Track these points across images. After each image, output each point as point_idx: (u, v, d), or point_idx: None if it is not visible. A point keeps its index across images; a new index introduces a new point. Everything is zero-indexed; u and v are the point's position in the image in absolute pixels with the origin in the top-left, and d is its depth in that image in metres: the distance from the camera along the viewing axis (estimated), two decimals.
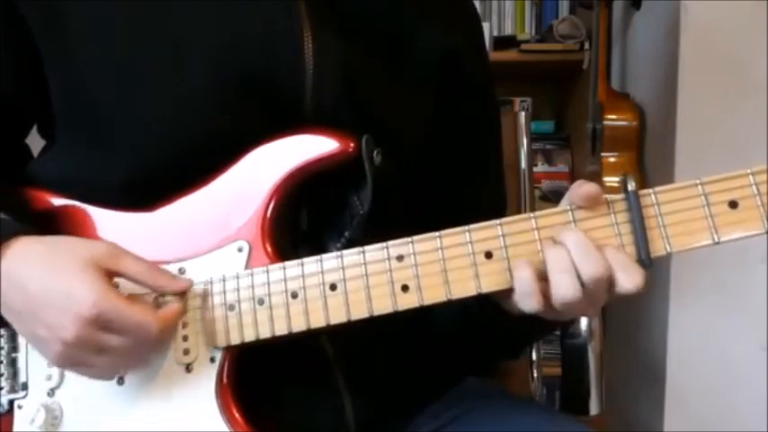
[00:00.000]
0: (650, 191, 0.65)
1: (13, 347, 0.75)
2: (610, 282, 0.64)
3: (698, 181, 0.65)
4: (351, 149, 0.72)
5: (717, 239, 0.64)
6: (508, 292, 0.67)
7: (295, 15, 0.76)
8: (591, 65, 2.09)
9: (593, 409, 1.10)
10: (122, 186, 0.76)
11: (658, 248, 0.65)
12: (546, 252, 0.66)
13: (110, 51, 0.75)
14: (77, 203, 0.78)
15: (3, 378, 0.75)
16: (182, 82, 0.74)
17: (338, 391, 0.78)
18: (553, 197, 2.47)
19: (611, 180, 1.90)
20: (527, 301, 0.65)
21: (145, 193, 0.75)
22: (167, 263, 0.73)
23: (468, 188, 0.90)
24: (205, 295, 0.72)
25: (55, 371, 0.73)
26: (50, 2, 0.76)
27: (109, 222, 0.77)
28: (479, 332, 0.79)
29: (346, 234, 0.74)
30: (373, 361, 0.80)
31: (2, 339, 0.76)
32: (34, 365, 0.74)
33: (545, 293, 0.65)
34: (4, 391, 0.75)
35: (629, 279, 0.64)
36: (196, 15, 0.75)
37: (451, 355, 0.87)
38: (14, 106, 0.81)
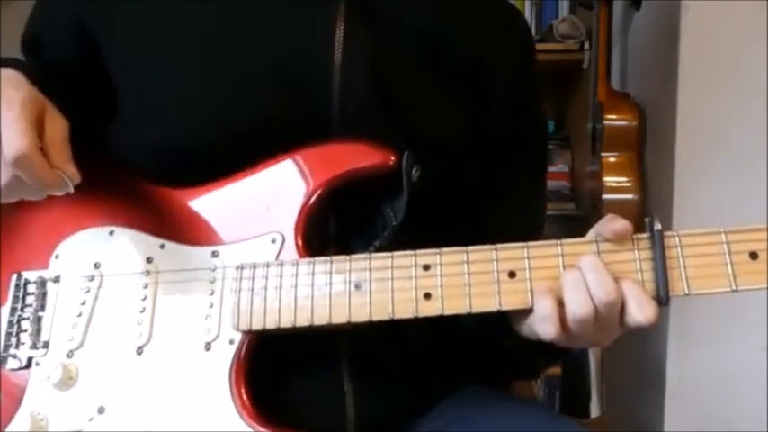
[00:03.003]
0: (675, 233, 0.68)
1: (42, 306, 0.78)
2: (622, 311, 0.66)
3: (721, 230, 0.68)
4: (392, 163, 0.74)
5: (735, 287, 0.67)
6: (524, 314, 0.69)
7: (330, 11, 0.79)
8: (591, 65, 2.08)
9: (594, 411, 1.10)
10: (159, 166, 0.79)
11: (677, 289, 0.67)
12: (563, 276, 0.68)
13: (151, 50, 0.80)
14: (131, 172, 0.82)
15: (26, 334, 0.77)
16: (215, 77, 0.78)
17: (343, 393, 0.78)
18: (553, 197, 2.47)
19: (611, 180, 1.90)
20: (545, 325, 0.67)
21: (171, 174, 0.78)
22: (202, 245, 0.76)
23: (496, 204, 0.89)
24: (234, 279, 0.74)
25: (77, 333, 0.76)
26: (105, 8, 0.82)
27: (150, 195, 0.80)
28: (490, 350, 0.80)
29: (375, 243, 0.75)
30: (382, 365, 0.80)
31: (31, 297, 0.78)
32: (58, 325, 0.77)
33: (562, 319, 0.67)
34: (25, 347, 0.77)
35: (641, 311, 0.66)
36: (235, 15, 0.79)
37: (460, 365, 0.88)
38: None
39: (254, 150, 0.77)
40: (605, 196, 1.89)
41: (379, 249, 0.74)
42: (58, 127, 0.70)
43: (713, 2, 1.61)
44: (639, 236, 0.69)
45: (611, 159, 1.92)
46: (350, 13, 0.79)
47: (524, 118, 0.91)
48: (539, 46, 2.30)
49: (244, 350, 0.73)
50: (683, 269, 0.67)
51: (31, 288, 0.79)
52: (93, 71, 0.84)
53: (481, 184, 0.87)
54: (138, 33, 0.81)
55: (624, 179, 1.90)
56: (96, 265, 0.78)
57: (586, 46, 2.24)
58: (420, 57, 0.83)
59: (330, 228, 0.78)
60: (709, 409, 1.69)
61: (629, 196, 1.89)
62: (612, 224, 0.69)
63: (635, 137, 1.91)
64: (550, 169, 2.53)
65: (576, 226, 2.40)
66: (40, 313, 0.78)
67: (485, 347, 0.83)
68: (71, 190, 0.70)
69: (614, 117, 1.93)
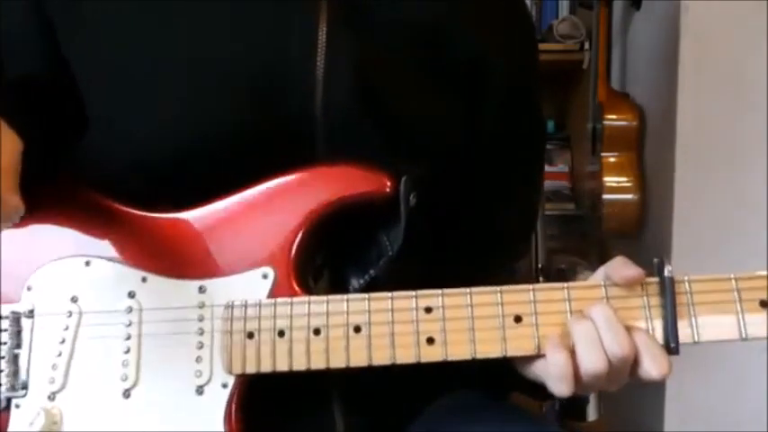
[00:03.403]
0: (685, 278, 0.66)
1: (17, 344, 0.73)
2: (635, 362, 0.64)
3: (732, 276, 0.66)
4: (388, 189, 0.71)
5: (744, 336, 0.66)
6: (528, 356, 0.67)
7: (311, 11, 0.75)
8: (591, 65, 2.08)
9: (592, 415, 1.10)
10: (134, 182, 0.75)
11: (686, 336, 0.66)
12: (573, 325, 0.66)
13: (121, 50, 0.76)
14: (107, 198, 0.77)
15: (2, 375, 0.73)
16: (194, 83, 0.74)
17: (333, 419, 0.77)
18: (553, 197, 2.47)
19: (611, 180, 1.90)
20: (560, 385, 0.65)
21: (149, 188, 0.74)
22: (188, 278, 0.72)
23: (489, 209, 0.87)
24: (224, 319, 0.70)
25: (58, 374, 0.72)
26: (75, 10, 0.77)
27: (128, 221, 0.75)
28: (488, 383, 0.79)
29: (371, 272, 0.73)
30: (372, 386, 0.77)
31: (5, 334, 0.74)
32: (37, 366, 0.73)
33: (575, 372, 0.65)
34: (2, 389, 0.73)
35: (655, 366, 0.64)
36: (210, 17, 0.75)
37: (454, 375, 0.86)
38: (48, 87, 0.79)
39: (237, 163, 0.73)
40: (605, 196, 1.89)
41: (373, 279, 0.72)
42: (7, 152, 0.63)
43: (713, 2, 1.61)
44: (649, 280, 0.67)
45: (611, 159, 1.92)
46: (333, 13, 0.75)
47: (523, 118, 0.88)
48: (539, 46, 2.31)
49: (238, 394, 0.69)
50: (693, 317, 0.66)
51: (4, 324, 0.73)
52: (63, 85, 0.78)
53: (475, 184, 0.85)
54: (108, 45, 0.76)
55: (624, 179, 1.90)
56: (74, 299, 0.73)
57: (586, 46, 2.23)
58: (412, 57, 0.79)
59: (317, 259, 0.75)
60: (710, 408, 1.69)
61: (629, 196, 1.89)
62: (625, 271, 0.66)
63: (635, 137, 1.91)
64: (550, 169, 2.53)
65: (576, 226, 2.40)
66: (17, 351, 0.73)
67: (480, 380, 0.81)
68: (16, 220, 0.65)
69: (614, 117, 1.93)
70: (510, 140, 0.86)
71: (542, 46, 2.29)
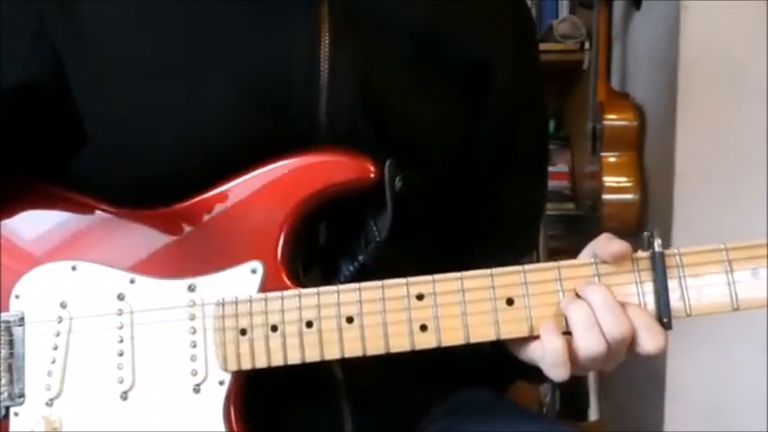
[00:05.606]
0: (675, 252, 0.66)
1: (10, 353, 0.73)
2: (632, 341, 0.64)
3: (723, 246, 0.66)
4: (372, 175, 0.70)
5: (736, 306, 0.65)
6: (522, 338, 0.67)
7: (313, 19, 0.75)
8: (591, 65, 2.08)
9: (593, 415, 1.10)
10: (132, 193, 0.75)
11: (678, 311, 0.66)
12: (569, 307, 0.65)
13: (127, 67, 0.75)
14: (88, 198, 0.77)
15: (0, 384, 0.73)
16: (197, 97, 0.74)
17: (341, 421, 0.77)
18: (553, 197, 2.47)
19: (611, 180, 1.90)
20: (557, 371, 0.65)
21: (155, 200, 0.74)
22: (176, 277, 0.71)
23: (491, 209, 0.86)
24: (216, 317, 0.70)
25: (54, 381, 0.72)
26: (75, 22, 0.75)
27: (112, 222, 0.75)
28: (483, 371, 0.79)
29: (360, 258, 0.72)
30: (378, 383, 0.78)
31: None
32: (32, 373, 0.73)
33: (572, 357, 0.64)
34: (0, 398, 0.73)
35: (651, 341, 0.64)
36: (215, 31, 0.75)
37: (455, 373, 0.85)
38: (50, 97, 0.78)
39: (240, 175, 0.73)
40: (605, 196, 1.89)
41: (362, 266, 0.72)
42: None
43: (713, 2, 1.61)
44: (639, 255, 0.67)
45: (611, 159, 1.92)
46: (334, 22, 0.74)
47: (527, 119, 0.87)
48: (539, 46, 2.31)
49: (235, 390, 0.69)
50: (685, 290, 0.65)
51: None
52: (62, 98, 0.77)
53: (477, 184, 0.85)
54: (109, 64, 0.75)
55: (624, 179, 1.90)
56: (63, 305, 0.72)
57: (586, 46, 2.23)
58: (413, 62, 0.78)
59: (320, 237, 0.75)
60: (709, 409, 1.69)
61: (629, 196, 1.89)
62: (611, 246, 0.66)
63: (635, 137, 1.91)
64: (550, 169, 2.51)
65: (576, 226, 2.40)
66: (10, 360, 0.72)
67: (478, 368, 0.81)
68: None
69: (614, 117, 1.93)
70: (514, 142, 0.86)
71: (542, 46, 2.29)
